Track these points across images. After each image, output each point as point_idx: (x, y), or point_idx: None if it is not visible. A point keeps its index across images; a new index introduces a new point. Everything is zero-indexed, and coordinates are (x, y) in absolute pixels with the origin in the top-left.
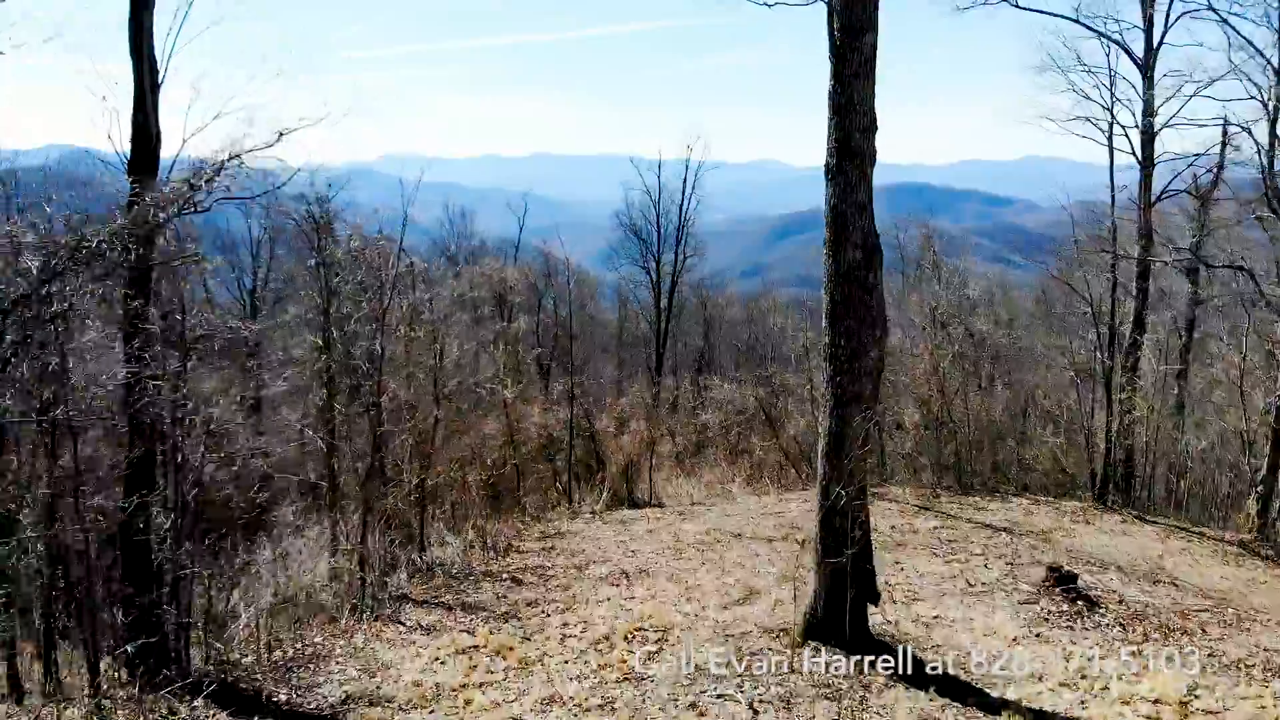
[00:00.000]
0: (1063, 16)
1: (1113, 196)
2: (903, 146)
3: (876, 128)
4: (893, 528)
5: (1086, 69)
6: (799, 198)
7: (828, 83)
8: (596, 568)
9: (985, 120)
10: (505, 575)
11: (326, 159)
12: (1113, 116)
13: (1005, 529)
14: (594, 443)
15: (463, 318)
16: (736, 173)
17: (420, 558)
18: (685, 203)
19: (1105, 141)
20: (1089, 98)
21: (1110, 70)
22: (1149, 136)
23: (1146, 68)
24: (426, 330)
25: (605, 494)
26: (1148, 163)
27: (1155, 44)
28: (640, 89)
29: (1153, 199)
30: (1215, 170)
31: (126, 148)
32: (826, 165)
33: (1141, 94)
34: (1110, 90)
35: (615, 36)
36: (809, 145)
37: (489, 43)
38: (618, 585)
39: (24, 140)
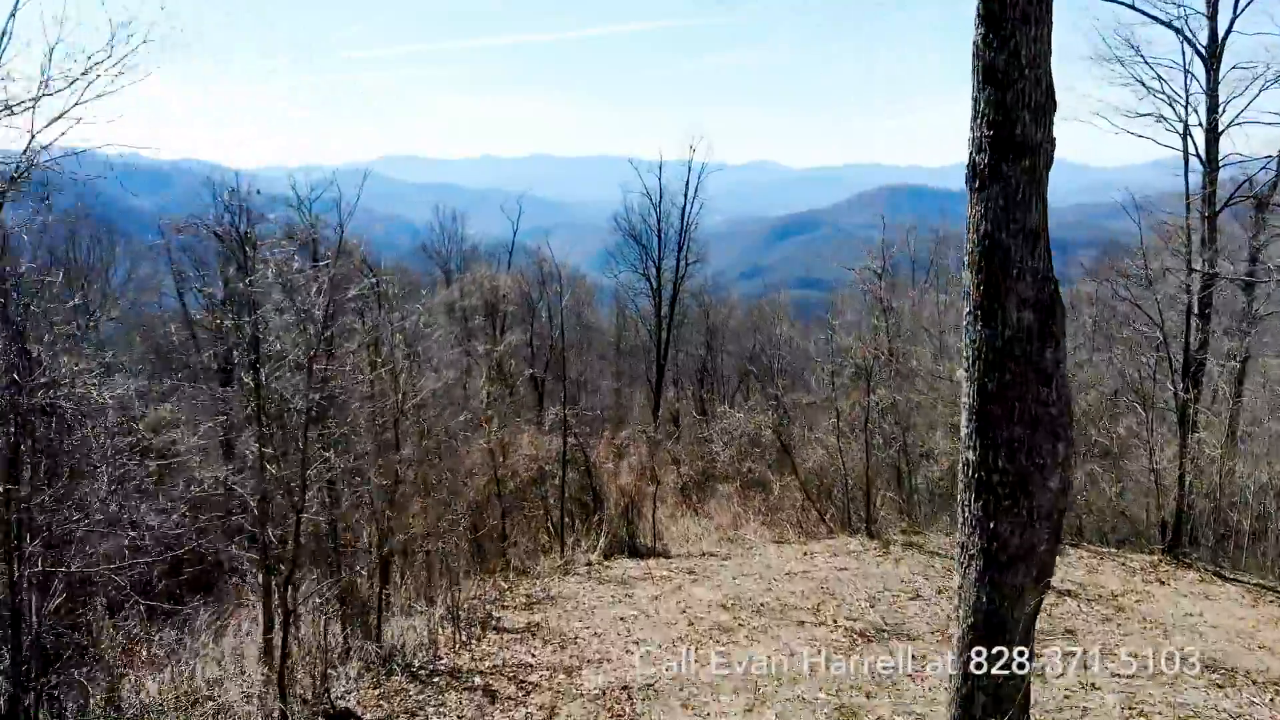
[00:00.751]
0: (1118, 1)
1: (1187, 204)
2: (900, 147)
3: (1055, 106)
4: (939, 591)
5: (1143, 60)
6: (798, 199)
7: (972, 34)
8: (590, 674)
9: None
10: (476, 676)
11: (324, 159)
12: (1186, 114)
13: (1069, 592)
14: (590, 477)
15: (452, 330)
16: (735, 174)
17: (376, 647)
18: (688, 206)
19: (1175, 144)
20: (1153, 91)
21: (1185, 62)
22: (1214, 135)
23: (1212, 58)
24: (386, 365)
25: (602, 539)
26: (1212, 164)
27: (1223, 32)
28: (640, 89)
29: (1218, 205)
30: (1277, 173)
31: None
32: (971, 167)
33: (1205, 87)
34: (1184, 85)
35: (615, 36)
36: (807, 146)
37: (489, 43)
38: (619, 718)
39: (21, 140)
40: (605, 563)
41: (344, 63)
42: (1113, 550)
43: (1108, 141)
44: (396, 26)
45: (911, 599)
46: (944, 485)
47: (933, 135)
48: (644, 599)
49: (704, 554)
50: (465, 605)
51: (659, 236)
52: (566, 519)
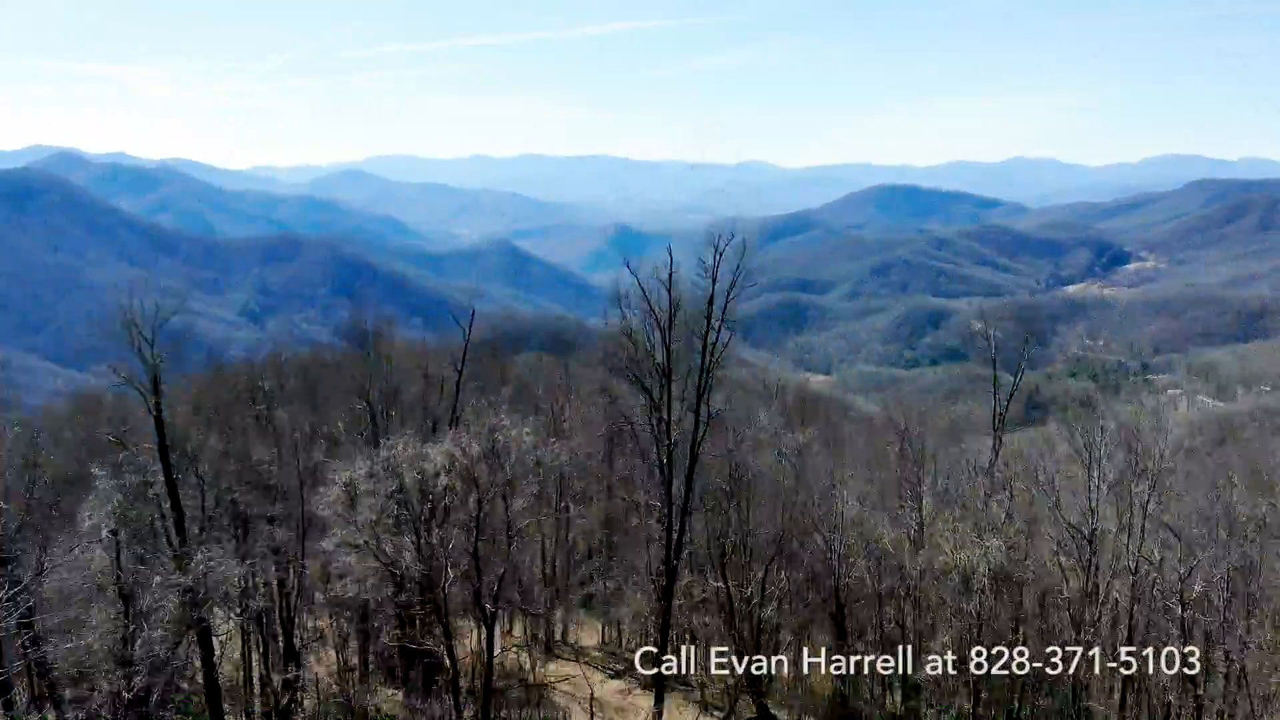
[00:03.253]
0: None
1: None
2: (891, 146)
3: None
4: None
5: None
6: (789, 199)
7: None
8: None
9: (975, 119)
10: None
11: (315, 159)
12: None
13: None
14: None
15: (359, 535)
16: (724, 174)
17: None
18: (713, 334)
19: None
20: None
21: None
22: None
23: None
24: None
25: None
26: None
27: None
28: (632, 89)
29: None
30: None
31: None
32: None
33: None
34: None
35: (607, 36)
36: (798, 146)
37: (480, 41)
38: None
39: (9, 141)
40: None
41: (336, 62)
42: None
43: (1101, 142)
44: (388, 26)
45: None
46: None
47: (923, 134)
48: None
49: None
50: None
51: (666, 378)
52: None
